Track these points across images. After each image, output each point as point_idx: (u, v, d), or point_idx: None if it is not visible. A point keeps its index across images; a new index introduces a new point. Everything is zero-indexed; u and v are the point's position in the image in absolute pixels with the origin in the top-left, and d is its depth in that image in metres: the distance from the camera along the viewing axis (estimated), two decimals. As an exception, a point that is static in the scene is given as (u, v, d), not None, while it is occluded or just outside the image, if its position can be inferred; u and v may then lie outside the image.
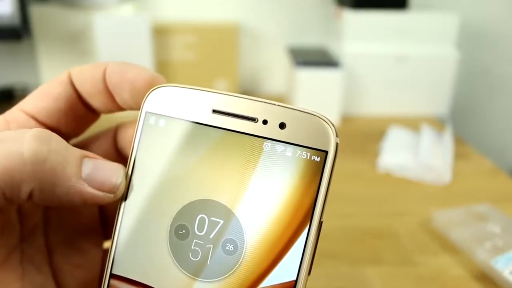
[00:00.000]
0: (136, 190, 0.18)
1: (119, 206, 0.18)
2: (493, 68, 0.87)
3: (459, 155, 0.59)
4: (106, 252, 0.21)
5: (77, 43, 0.74)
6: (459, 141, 0.64)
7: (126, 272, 0.17)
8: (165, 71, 0.77)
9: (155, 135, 0.17)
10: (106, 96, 0.20)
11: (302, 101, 0.71)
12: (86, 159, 0.17)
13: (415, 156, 0.57)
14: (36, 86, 0.81)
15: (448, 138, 0.60)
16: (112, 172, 0.17)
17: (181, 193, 0.17)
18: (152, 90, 0.18)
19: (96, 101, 0.20)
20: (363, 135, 0.66)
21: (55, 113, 0.20)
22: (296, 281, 0.16)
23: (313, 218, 0.16)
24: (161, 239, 0.17)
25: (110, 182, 0.17)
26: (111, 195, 0.17)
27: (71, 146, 0.17)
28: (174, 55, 0.77)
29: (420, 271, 0.38)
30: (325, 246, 0.41)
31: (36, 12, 0.71)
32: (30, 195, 0.16)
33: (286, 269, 0.16)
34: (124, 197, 0.18)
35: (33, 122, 0.20)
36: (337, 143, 0.16)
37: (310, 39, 0.85)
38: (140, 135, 0.18)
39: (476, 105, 0.89)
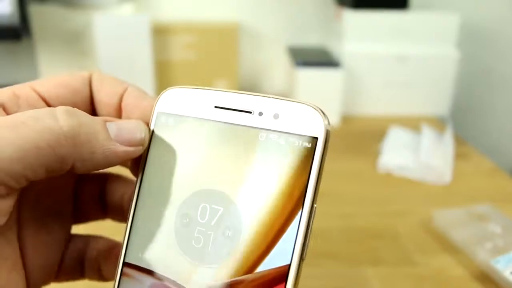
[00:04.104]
0: (148, 184, 0.19)
1: (132, 199, 0.19)
2: (494, 68, 0.87)
3: (460, 155, 0.59)
4: (71, 236, 0.22)
5: (76, 43, 0.73)
6: (460, 141, 0.64)
7: (137, 260, 0.18)
8: (165, 71, 0.77)
9: (165, 132, 0.19)
10: (115, 111, 0.21)
11: (302, 101, 0.70)
12: (108, 122, 0.19)
13: (416, 156, 0.56)
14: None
15: (448, 138, 0.60)
16: (136, 128, 0.19)
17: (186, 184, 0.18)
18: (163, 93, 0.20)
19: (103, 110, 0.21)
20: (363, 135, 0.66)
21: (68, 104, 0.20)
22: (289, 265, 0.16)
23: (305, 203, 0.16)
24: (168, 228, 0.18)
25: (136, 137, 0.19)
26: (140, 147, 0.19)
27: (91, 115, 0.19)
28: (174, 55, 0.76)
29: (420, 271, 0.38)
30: (325, 246, 0.41)
31: (36, 12, 0.71)
32: (72, 166, 0.17)
33: (281, 254, 0.16)
34: (137, 191, 0.19)
35: (43, 104, 0.20)
36: (327, 130, 0.16)
37: (310, 39, 0.85)
38: (152, 134, 0.19)
39: (476, 105, 0.89)
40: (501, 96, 0.89)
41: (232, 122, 0.18)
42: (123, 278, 0.18)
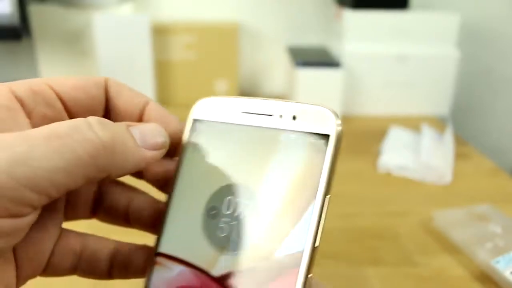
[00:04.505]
0: (182, 183, 0.21)
1: (168, 195, 0.21)
2: (494, 68, 0.87)
3: (460, 155, 0.59)
4: (62, 231, 0.22)
5: (76, 42, 0.73)
6: (460, 141, 0.63)
7: (169, 250, 0.20)
8: (165, 71, 0.77)
9: (199, 136, 0.21)
10: (134, 121, 0.22)
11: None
12: (131, 127, 0.19)
13: (416, 156, 0.56)
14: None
15: (448, 138, 0.60)
16: (157, 132, 0.20)
17: (215, 181, 0.20)
18: (197, 102, 0.22)
19: (120, 119, 0.22)
20: (363, 135, 0.66)
21: (84, 108, 0.21)
22: (303, 251, 0.18)
23: (318, 193, 0.18)
24: (197, 220, 0.20)
25: (159, 141, 0.20)
26: (163, 150, 0.20)
27: (114, 122, 0.19)
28: (174, 55, 0.76)
29: (421, 271, 0.38)
30: (325, 246, 0.41)
31: (35, 12, 0.71)
32: (108, 174, 0.18)
33: (295, 241, 0.18)
34: (173, 189, 0.21)
35: (59, 104, 0.20)
36: (339, 128, 0.18)
37: (310, 39, 0.85)
38: (188, 138, 0.21)
39: (476, 105, 0.89)
40: (501, 96, 0.89)
41: (257, 125, 0.20)
42: (156, 267, 0.20)
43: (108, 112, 0.22)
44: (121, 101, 0.22)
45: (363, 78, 0.74)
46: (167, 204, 0.21)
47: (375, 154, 0.59)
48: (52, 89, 0.20)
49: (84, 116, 0.20)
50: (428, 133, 0.62)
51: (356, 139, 0.64)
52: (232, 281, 0.18)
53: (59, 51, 0.74)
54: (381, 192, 0.51)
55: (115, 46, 0.70)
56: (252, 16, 0.83)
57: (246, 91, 0.86)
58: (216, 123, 0.21)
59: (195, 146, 0.21)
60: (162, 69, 0.76)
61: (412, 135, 0.63)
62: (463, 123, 0.81)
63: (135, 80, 0.72)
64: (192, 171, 0.21)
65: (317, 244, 0.18)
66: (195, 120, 0.22)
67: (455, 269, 0.38)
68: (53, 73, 0.75)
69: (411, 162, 0.55)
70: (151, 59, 0.71)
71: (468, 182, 0.54)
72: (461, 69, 0.78)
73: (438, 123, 0.72)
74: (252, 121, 0.20)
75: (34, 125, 0.19)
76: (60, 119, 0.20)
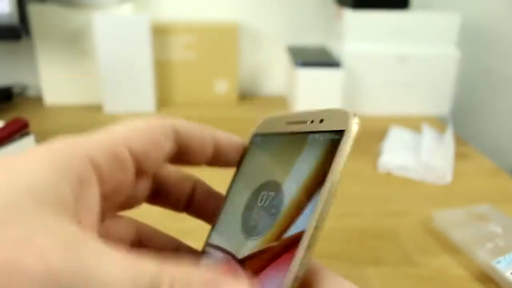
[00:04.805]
0: (236, 185, 0.25)
1: (225, 197, 0.25)
2: (494, 68, 0.87)
3: (460, 155, 0.59)
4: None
5: (76, 42, 0.73)
6: (460, 141, 0.63)
7: (214, 240, 0.24)
8: (165, 71, 0.77)
9: (254, 147, 0.25)
10: (210, 158, 0.24)
11: (302, 101, 0.71)
12: None
13: (416, 156, 0.56)
14: (35, 86, 0.79)
15: (449, 138, 0.60)
16: None
17: (257, 179, 0.24)
18: (261, 120, 0.26)
19: (195, 160, 0.23)
20: (363, 135, 0.65)
21: (154, 161, 0.21)
22: (305, 230, 0.19)
23: (328, 178, 0.20)
24: (238, 215, 0.23)
25: None
26: None
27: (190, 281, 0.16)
28: (174, 55, 0.76)
29: (421, 272, 0.38)
30: (325, 247, 0.41)
31: (35, 11, 0.71)
32: None
33: (302, 223, 0.20)
34: (228, 190, 0.25)
35: (132, 169, 0.20)
36: (353, 124, 0.20)
37: (310, 39, 0.85)
38: (247, 150, 0.25)
39: (477, 105, 0.89)
40: (501, 96, 0.89)
41: (293, 131, 0.24)
42: (204, 255, 0.24)
43: (178, 156, 0.23)
44: (193, 144, 0.23)
45: (363, 78, 0.73)
46: (222, 204, 0.25)
47: (375, 154, 0.59)
48: (129, 149, 0.20)
49: (150, 169, 0.21)
50: (428, 133, 0.62)
51: (356, 139, 0.64)
52: (249, 262, 0.21)
53: (59, 51, 0.74)
54: (381, 192, 0.51)
55: (115, 46, 0.70)
56: (252, 16, 0.83)
57: (246, 91, 0.86)
58: (268, 134, 0.25)
59: (250, 154, 0.25)
60: (162, 69, 0.76)
61: (412, 135, 0.63)
62: (463, 123, 0.81)
63: (135, 80, 0.72)
64: (244, 174, 0.25)
65: (319, 223, 0.19)
66: (254, 135, 0.26)
67: (455, 269, 0.38)
68: (53, 73, 0.75)
69: (411, 162, 0.55)
70: (151, 59, 0.71)
71: (468, 182, 0.54)
72: (461, 69, 0.78)
73: (438, 123, 0.72)
74: (291, 128, 0.24)
75: (103, 191, 0.19)
76: (126, 179, 0.20)
